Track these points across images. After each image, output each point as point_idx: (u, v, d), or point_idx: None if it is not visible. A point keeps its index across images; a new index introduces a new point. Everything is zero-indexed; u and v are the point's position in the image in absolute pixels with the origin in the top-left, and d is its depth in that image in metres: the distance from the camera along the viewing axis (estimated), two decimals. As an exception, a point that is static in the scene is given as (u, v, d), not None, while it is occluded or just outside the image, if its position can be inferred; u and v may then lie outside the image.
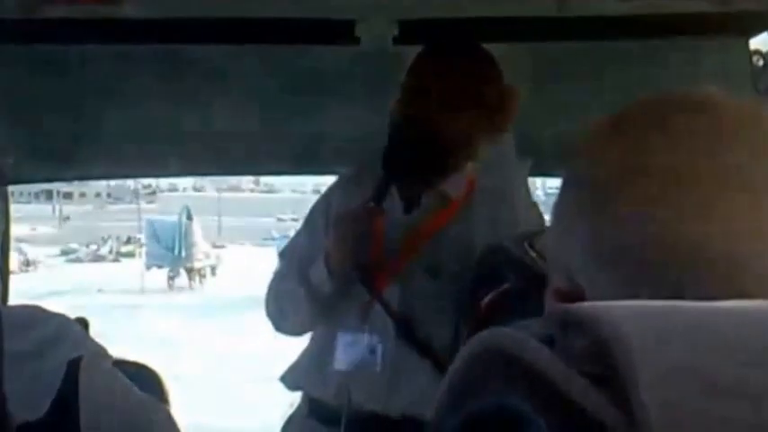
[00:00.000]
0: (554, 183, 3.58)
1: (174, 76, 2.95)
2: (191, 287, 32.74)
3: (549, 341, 0.73)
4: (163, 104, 3.07)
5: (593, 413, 0.68)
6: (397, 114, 2.62)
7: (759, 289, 0.80)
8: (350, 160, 2.94)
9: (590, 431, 0.68)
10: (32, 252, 37.45)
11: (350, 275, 2.62)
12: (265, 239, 49.27)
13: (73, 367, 1.45)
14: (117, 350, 1.70)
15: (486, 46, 2.69)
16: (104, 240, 46.58)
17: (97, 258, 43.07)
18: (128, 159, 3.33)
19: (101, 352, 1.56)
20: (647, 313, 0.72)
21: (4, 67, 2.77)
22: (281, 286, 2.76)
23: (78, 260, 42.51)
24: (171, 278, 33.07)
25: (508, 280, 1.40)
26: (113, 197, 71.25)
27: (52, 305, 1.61)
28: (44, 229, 52.51)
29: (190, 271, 33.72)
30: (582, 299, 0.84)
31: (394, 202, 2.69)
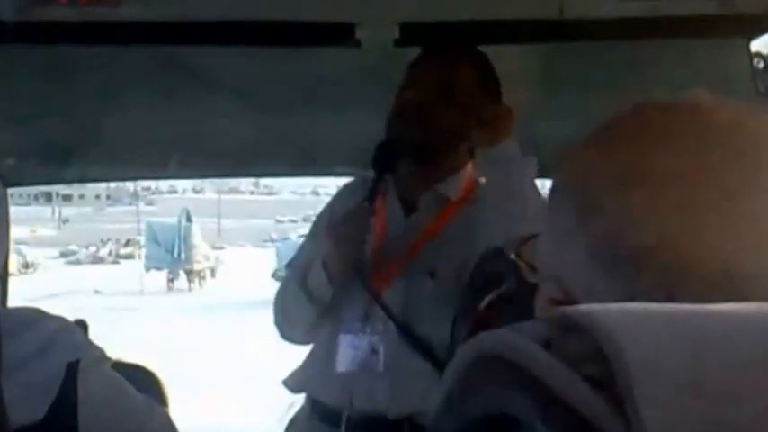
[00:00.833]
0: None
1: (173, 79, 2.94)
2: (190, 289, 32.81)
3: (547, 343, 0.73)
4: (162, 106, 3.07)
5: (590, 416, 0.68)
6: (392, 115, 2.63)
7: (753, 292, 0.80)
8: (349, 162, 2.94)
9: (587, 434, 0.68)
10: (32, 254, 37.51)
11: (349, 278, 2.62)
12: (264, 241, 49.39)
13: (72, 370, 1.45)
14: (116, 352, 1.70)
15: (486, 48, 2.69)
16: (104, 242, 46.70)
17: (96, 260, 43.16)
18: (127, 161, 3.34)
19: (100, 354, 1.56)
20: (645, 316, 0.72)
21: (3, 69, 2.76)
22: (287, 295, 2.77)
23: (78, 262, 42.60)
24: (170, 280, 33.15)
25: (506, 283, 1.39)
26: (113, 199, 71.39)
27: (51, 307, 1.61)
28: (43, 231, 52.62)
29: (189, 273, 33.80)
30: None
31: (394, 204, 2.71)
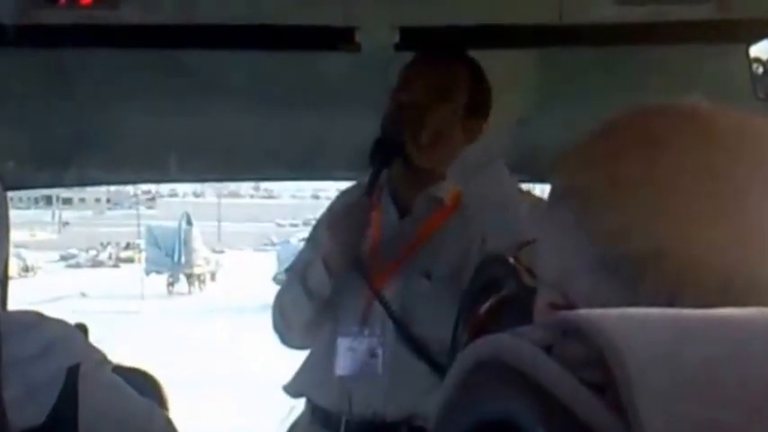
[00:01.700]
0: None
1: (173, 82, 2.95)
2: (190, 292, 32.79)
3: (547, 348, 0.73)
4: (162, 110, 3.07)
5: (590, 420, 0.68)
6: (386, 115, 2.66)
7: (751, 295, 0.80)
8: (349, 166, 2.94)
9: (588, 438, 0.68)
10: (32, 257, 37.47)
11: (348, 275, 2.64)
12: (265, 245, 49.37)
13: (72, 373, 1.45)
14: (116, 356, 1.70)
15: (486, 52, 2.70)
16: (104, 246, 46.65)
17: (97, 264, 43.12)
18: (127, 165, 3.34)
19: (100, 358, 1.56)
20: (645, 321, 0.72)
21: (4, 71, 2.77)
22: (285, 296, 2.79)
23: (78, 265, 42.55)
24: (170, 284, 33.11)
25: (507, 288, 1.39)
26: (113, 203, 71.35)
27: (51, 311, 1.61)
28: (43, 235, 52.59)
29: (189, 276, 33.78)
30: None
31: (388, 207, 2.74)
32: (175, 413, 2.10)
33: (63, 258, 43.86)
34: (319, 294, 2.66)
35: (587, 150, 0.91)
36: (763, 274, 0.82)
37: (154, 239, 35.44)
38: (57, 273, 37.91)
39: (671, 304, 0.78)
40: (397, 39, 2.66)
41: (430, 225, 2.70)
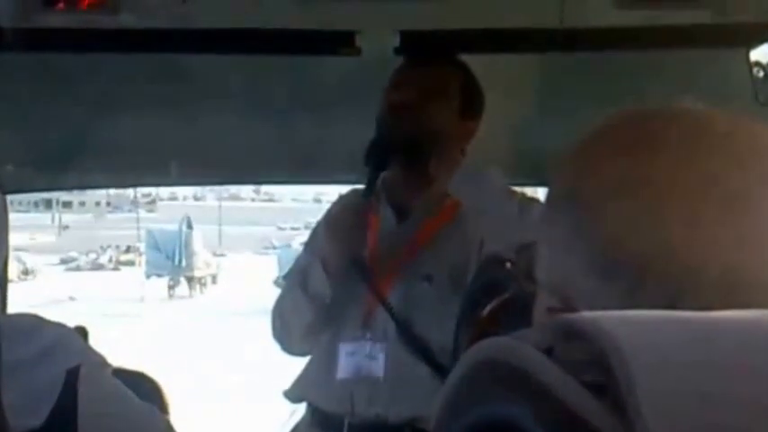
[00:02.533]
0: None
1: (173, 86, 2.95)
2: (191, 296, 32.77)
3: (548, 351, 0.73)
4: (162, 114, 3.07)
5: (592, 423, 0.68)
6: (381, 115, 2.66)
7: (753, 297, 0.80)
8: (350, 169, 2.94)
9: (589, 441, 0.68)
10: (31, 261, 37.45)
11: (349, 280, 2.64)
12: (266, 248, 49.32)
13: (71, 376, 1.45)
14: (116, 359, 1.70)
15: (487, 56, 2.70)
16: (104, 249, 46.62)
17: (97, 267, 43.10)
18: (127, 168, 3.34)
19: (100, 361, 1.56)
20: (647, 323, 0.72)
21: (4, 76, 2.77)
22: (285, 303, 2.79)
23: (78, 269, 42.54)
24: (171, 287, 33.11)
25: (508, 291, 1.39)
26: (113, 206, 71.35)
27: (51, 314, 1.61)
28: (43, 238, 52.56)
29: (190, 280, 33.77)
30: None
31: (387, 211, 2.74)
32: (176, 417, 2.10)
33: (63, 262, 43.85)
34: (320, 298, 2.66)
35: (585, 154, 0.91)
36: (763, 275, 0.82)
37: (154, 243, 35.43)
38: (56, 276, 37.88)
39: (672, 307, 0.78)
40: (397, 42, 2.66)
41: (429, 227, 2.71)
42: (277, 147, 3.26)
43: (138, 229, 43.27)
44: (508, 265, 1.41)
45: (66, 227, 61.17)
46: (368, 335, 2.63)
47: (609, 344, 0.69)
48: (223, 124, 3.11)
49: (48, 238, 54.24)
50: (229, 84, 3.00)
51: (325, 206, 3.00)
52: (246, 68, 2.95)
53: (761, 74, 2.71)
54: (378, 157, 2.64)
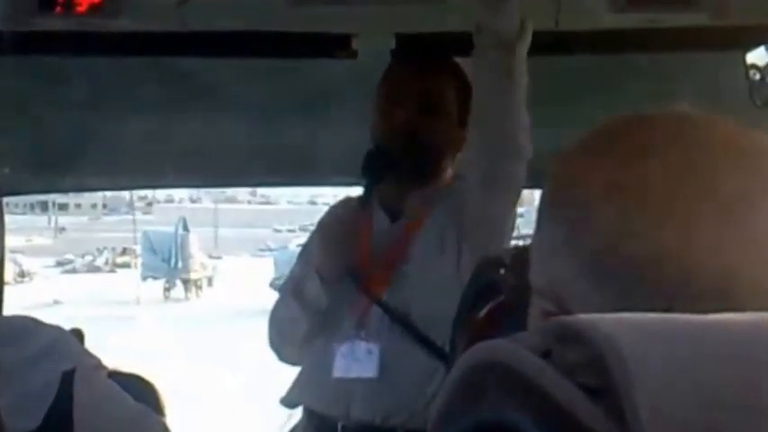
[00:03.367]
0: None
1: (170, 89, 2.95)
2: (187, 298, 32.71)
3: (545, 353, 0.73)
4: (159, 116, 3.07)
5: (589, 425, 0.68)
6: (376, 124, 2.68)
7: (747, 299, 0.80)
8: (346, 172, 2.95)
9: (586, 444, 0.68)
10: (28, 263, 37.37)
11: (344, 283, 2.64)
12: (262, 250, 49.27)
13: (67, 378, 1.45)
14: (112, 361, 1.69)
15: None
16: (100, 251, 46.56)
17: (93, 269, 43.04)
18: (124, 170, 3.34)
19: (96, 363, 1.56)
20: (643, 326, 0.72)
21: (1, 78, 2.77)
22: (280, 313, 2.80)
23: (74, 271, 42.47)
24: (167, 289, 33.04)
25: (504, 293, 1.39)
26: (109, 208, 71.21)
27: (47, 316, 1.61)
28: (40, 240, 52.48)
29: (186, 282, 33.70)
30: None
31: (379, 213, 2.75)
32: (172, 419, 2.10)
33: (59, 264, 43.78)
34: (316, 306, 2.68)
35: (578, 158, 0.91)
36: (759, 279, 0.82)
37: (150, 245, 35.36)
38: (52, 278, 37.82)
39: (668, 310, 0.79)
40: (393, 45, 2.66)
41: (419, 222, 2.72)
42: (273, 149, 3.26)
43: (135, 231, 43.18)
44: (503, 268, 1.41)
45: (63, 229, 61.03)
46: (363, 336, 2.63)
47: (606, 346, 0.69)
48: (219, 127, 3.12)
49: (44, 240, 54.17)
50: (226, 87, 3.00)
51: (321, 208, 3.01)
52: (243, 71, 2.95)
53: (757, 76, 2.71)
54: (376, 170, 2.64)
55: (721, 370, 0.68)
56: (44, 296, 26.05)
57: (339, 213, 2.76)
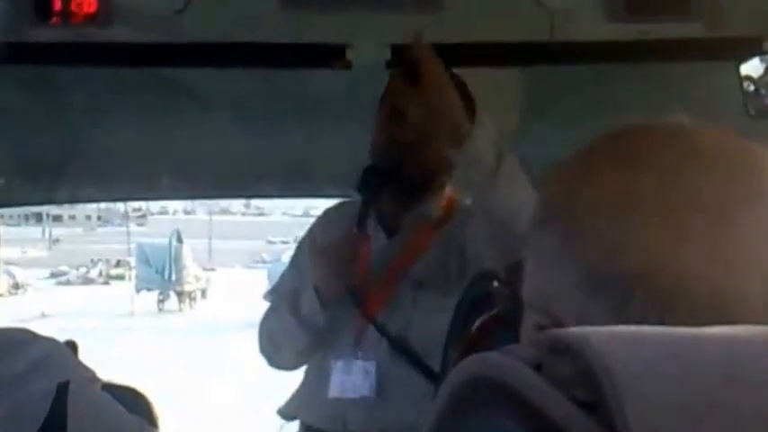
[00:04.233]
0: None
1: (164, 100, 2.95)
2: (181, 310, 32.72)
3: (537, 366, 0.72)
4: (153, 128, 3.07)
5: (581, 439, 0.67)
6: (375, 140, 2.65)
7: (740, 312, 0.80)
8: (341, 183, 2.95)
9: (578, 457, 0.67)
10: (22, 274, 37.36)
11: (342, 302, 2.62)
12: (256, 262, 49.34)
13: (62, 391, 1.44)
14: (106, 373, 1.69)
15: (479, 71, 2.70)
16: (94, 263, 46.59)
17: (87, 281, 43.05)
18: (118, 182, 3.34)
19: (90, 376, 1.55)
20: (635, 339, 0.72)
21: (-5, 89, 2.77)
22: (273, 323, 2.78)
23: (68, 283, 42.47)
24: (161, 301, 33.06)
25: (498, 306, 1.39)
26: (103, 220, 71.24)
27: (41, 328, 1.60)
28: (34, 252, 52.48)
29: (180, 294, 33.72)
30: None
31: (376, 228, 2.73)
32: (165, 431, 2.10)
33: (53, 276, 43.79)
34: (313, 323, 2.66)
35: (571, 171, 0.91)
36: (751, 291, 0.82)
37: (144, 257, 35.38)
38: (47, 290, 37.79)
39: (661, 323, 0.78)
40: (388, 56, 2.66)
41: (419, 242, 2.70)
42: (268, 160, 3.26)
43: (129, 243, 43.20)
44: (497, 281, 1.41)
45: (57, 240, 61.06)
46: (360, 353, 2.62)
47: (597, 360, 0.68)
48: (213, 138, 3.12)
49: (38, 252, 54.16)
50: (220, 98, 3.00)
51: (315, 220, 2.99)
52: (238, 82, 2.96)
53: (751, 87, 2.72)
54: (373, 187, 2.63)
55: (713, 385, 0.68)
56: (40, 308, 26.01)
57: (334, 225, 2.73)
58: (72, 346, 2.15)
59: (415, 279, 2.64)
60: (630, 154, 0.88)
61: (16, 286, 35.22)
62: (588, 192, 0.87)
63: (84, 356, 1.80)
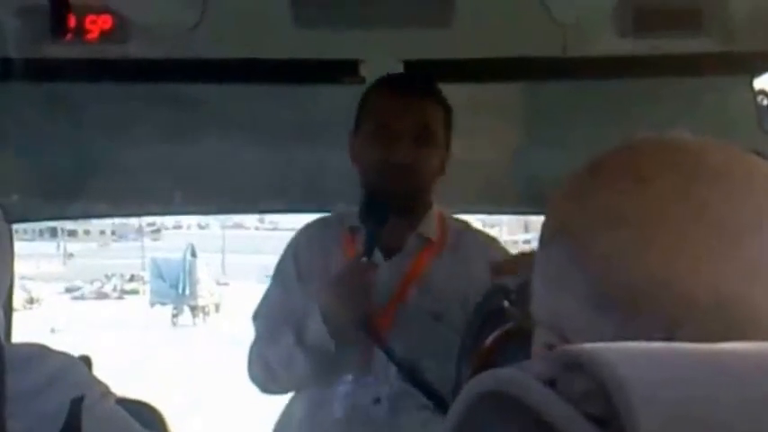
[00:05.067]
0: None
1: (179, 116, 2.96)
2: (195, 324, 32.72)
3: (550, 382, 0.73)
4: (167, 143, 3.08)
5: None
6: (366, 160, 2.62)
7: (748, 328, 0.80)
8: (354, 198, 2.95)
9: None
10: (36, 289, 37.41)
11: (351, 330, 2.56)
12: (268, 276, 49.30)
13: (76, 406, 1.45)
14: (120, 388, 1.70)
15: (490, 86, 2.70)
16: (108, 278, 46.60)
17: (101, 296, 43.06)
18: (132, 197, 3.34)
19: (104, 390, 1.56)
20: (647, 355, 0.72)
21: (10, 105, 2.78)
22: (268, 351, 2.69)
23: (82, 297, 42.50)
24: (175, 315, 33.07)
25: (511, 320, 1.39)
26: (117, 235, 71.28)
27: (55, 343, 1.61)
28: (48, 267, 52.52)
29: (194, 308, 33.73)
30: None
31: (375, 255, 2.63)
32: (179, 446, 2.10)
33: (68, 290, 43.82)
34: (320, 350, 2.56)
35: (577, 187, 0.91)
36: (757, 304, 0.82)
37: (158, 271, 35.43)
38: (61, 305, 37.83)
39: (669, 338, 0.78)
40: (400, 71, 2.66)
41: (420, 263, 2.67)
42: (281, 176, 3.26)
43: (143, 257, 43.26)
44: (509, 297, 1.41)
45: (71, 255, 61.08)
46: (368, 378, 2.58)
47: (610, 376, 0.69)
48: (227, 154, 3.12)
49: (53, 267, 54.20)
50: (233, 114, 3.00)
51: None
52: (251, 98, 2.96)
53: (765, 102, 2.72)
54: (377, 216, 2.58)
55: (724, 400, 0.68)
56: (54, 323, 26.05)
57: (317, 243, 2.71)
58: (86, 360, 2.16)
59: (420, 303, 2.61)
60: (637, 170, 0.88)
61: (31, 301, 35.26)
62: (592, 208, 0.87)
63: (98, 371, 1.81)
